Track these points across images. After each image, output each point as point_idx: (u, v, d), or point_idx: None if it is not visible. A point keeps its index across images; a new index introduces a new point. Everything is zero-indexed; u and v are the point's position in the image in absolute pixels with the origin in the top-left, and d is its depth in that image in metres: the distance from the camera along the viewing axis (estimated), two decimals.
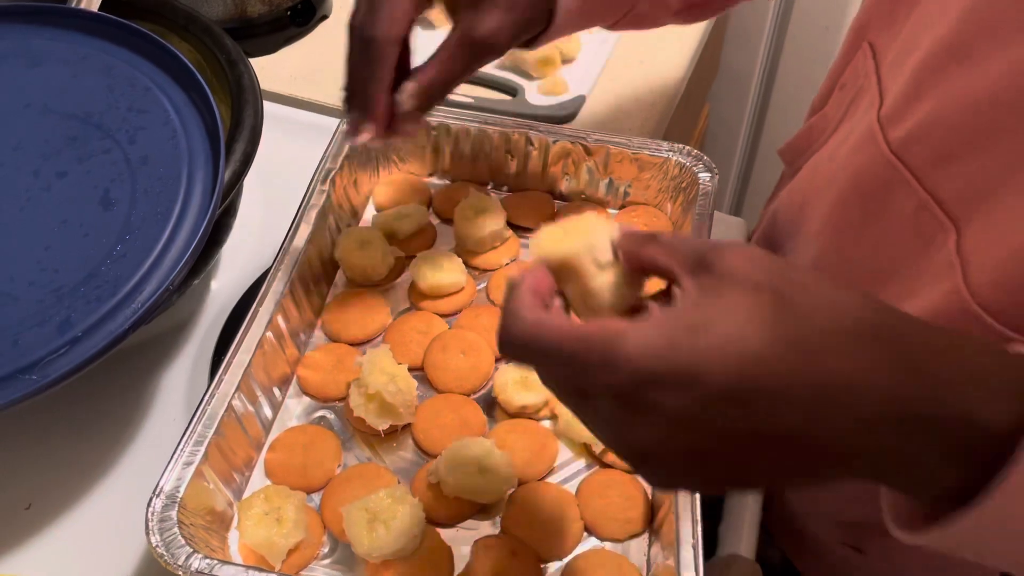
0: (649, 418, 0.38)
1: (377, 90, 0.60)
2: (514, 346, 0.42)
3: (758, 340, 0.37)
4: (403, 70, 0.62)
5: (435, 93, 0.61)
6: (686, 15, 0.73)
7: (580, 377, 0.40)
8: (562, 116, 0.96)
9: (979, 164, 0.54)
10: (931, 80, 0.57)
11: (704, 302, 0.39)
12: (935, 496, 0.39)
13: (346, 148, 0.78)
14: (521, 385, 0.67)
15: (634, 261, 0.44)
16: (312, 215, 0.73)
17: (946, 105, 0.56)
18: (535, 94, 0.98)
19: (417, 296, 0.75)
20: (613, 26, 0.70)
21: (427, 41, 1.04)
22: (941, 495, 0.39)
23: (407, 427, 0.67)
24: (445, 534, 0.62)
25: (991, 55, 0.52)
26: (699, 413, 0.37)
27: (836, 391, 0.37)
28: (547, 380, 0.43)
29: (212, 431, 0.60)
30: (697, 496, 0.58)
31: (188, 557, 0.54)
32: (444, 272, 0.74)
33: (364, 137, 0.62)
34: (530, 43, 0.66)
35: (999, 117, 0.52)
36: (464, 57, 0.60)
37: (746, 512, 0.70)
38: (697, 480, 0.41)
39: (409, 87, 0.60)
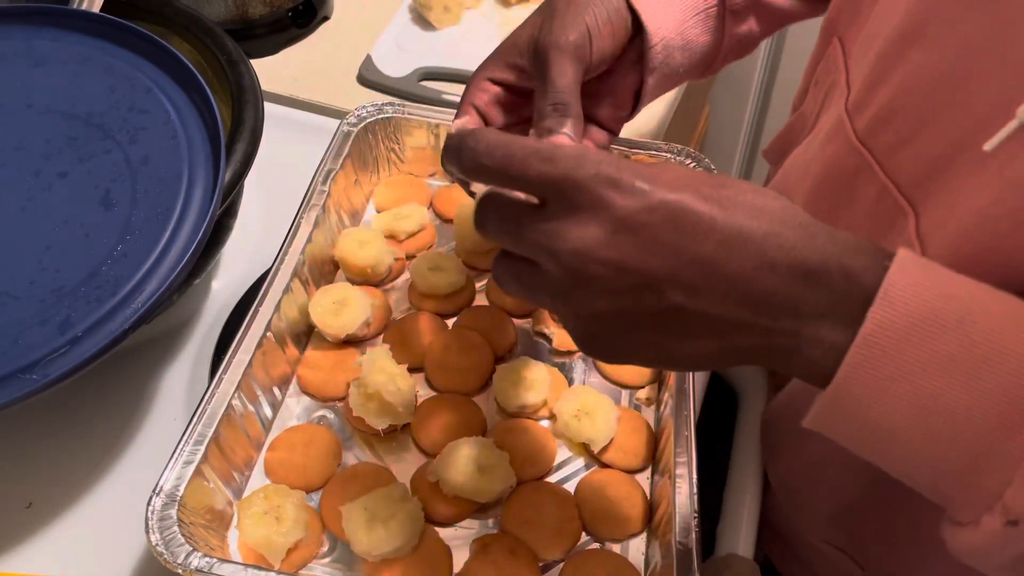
0: (595, 218, 0.42)
1: (462, 109, 0.63)
2: (482, 146, 0.44)
3: (691, 180, 0.42)
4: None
5: (565, 105, 0.60)
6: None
7: (542, 170, 0.43)
8: None
9: (930, 144, 0.55)
10: (890, 65, 0.58)
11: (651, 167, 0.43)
12: (814, 371, 0.42)
13: (347, 148, 0.78)
14: (520, 385, 0.68)
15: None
16: (312, 215, 0.73)
17: (903, 89, 0.56)
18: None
19: (417, 296, 0.75)
20: (707, 72, 0.72)
21: (427, 42, 1.05)
22: (819, 371, 0.42)
23: (406, 427, 0.68)
24: (444, 533, 0.62)
25: (942, 34, 0.53)
26: (642, 220, 0.41)
27: (751, 235, 0.41)
28: (491, 206, 0.45)
29: (212, 430, 0.60)
30: (695, 495, 0.58)
31: (188, 556, 0.55)
32: (443, 272, 0.74)
33: (456, 124, 0.63)
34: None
35: (948, 95, 0.53)
36: (567, 70, 0.59)
37: (744, 512, 0.70)
38: (615, 304, 0.43)
39: (541, 118, 0.60)
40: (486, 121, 0.64)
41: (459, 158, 0.45)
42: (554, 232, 0.43)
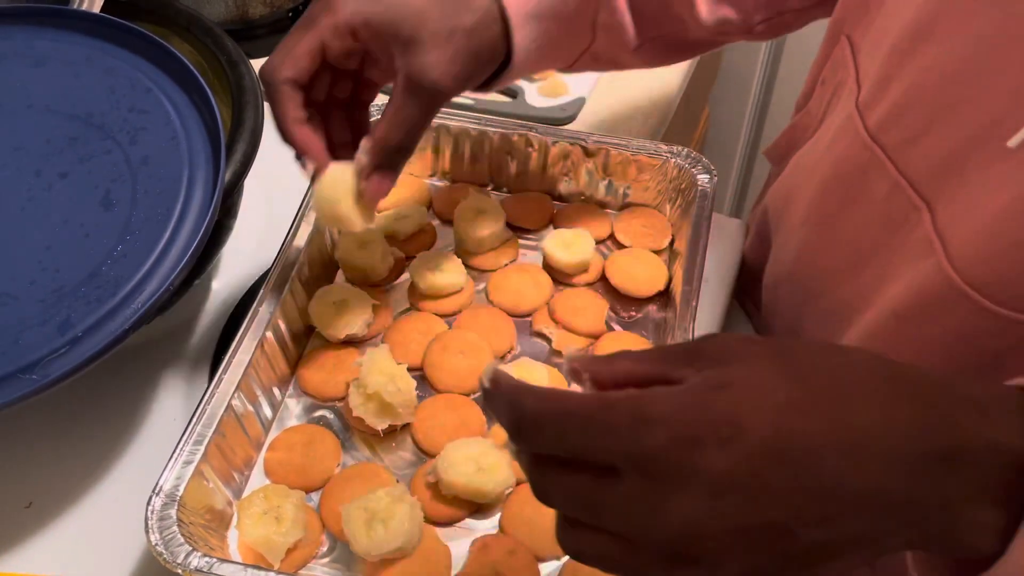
0: (688, 487, 0.35)
1: (289, 128, 0.60)
2: (529, 418, 0.38)
3: (787, 391, 0.36)
4: (362, 126, 0.64)
5: (391, 148, 0.59)
6: (648, 54, 0.72)
7: (603, 445, 0.37)
8: (562, 118, 0.96)
9: (943, 139, 0.54)
10: (902, 62, 0.58)
11: (717, 370, 0.37)
12: (973, 551, 0.38)
13: None
14: None
15: (605, 380, 0.40)
16: (312, 216, 0.73)
17: (916, 84, 0.56)
18: (535, 95, 0.98)
19: (416, 297, 0.75)
20: (571, 67, 0.70)
21: None
22: (979, 551, 0.37)
23: (406, 427, 0.68)
24: (443, 533, 0.62)
25: (955, 31, 0.53)
26: (743, 473, 0.35)
27: (867, 434, 0.36)
28: (553, 481, 0.39)
29: (212, 430, 0.60)
30: None
31: (187, 555, 0.55)
32: (443, 273, 0.74)
33: (309, 170, 0.62)
34: (485, 86, 0.65)
35: (962, 91, 0.53)
36: (412, 107, 0.58)
37: None
38: (748, 564, 0.37)
39: (363, 144, 0.60)
40: (330, 142, 0.62)
41: (511, 428, 0.39)
42: (645, 513, 0.36)
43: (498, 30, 0.60)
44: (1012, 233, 0.49)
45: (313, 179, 0.62)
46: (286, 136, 0.60)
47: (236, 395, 0.63)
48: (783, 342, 0.39)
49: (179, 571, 0.54)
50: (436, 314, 0.74)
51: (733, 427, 0.35)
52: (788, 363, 0.38)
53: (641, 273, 0.76)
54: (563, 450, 0.38)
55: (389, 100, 0.59)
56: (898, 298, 0.59)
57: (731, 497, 0.35)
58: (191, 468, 0.59)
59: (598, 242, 0.80)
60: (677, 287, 0.73)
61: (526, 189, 0.84)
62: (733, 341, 0.39)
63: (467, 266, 0.77)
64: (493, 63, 0.62)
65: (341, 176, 0.61)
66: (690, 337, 0.67)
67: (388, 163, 0.60)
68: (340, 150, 0.63)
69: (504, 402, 0.39)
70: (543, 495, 0.40)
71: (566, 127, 0.92)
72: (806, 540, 0.36)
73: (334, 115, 0.64)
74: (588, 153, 0.80)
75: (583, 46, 0.68)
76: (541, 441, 0.39)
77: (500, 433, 0.66)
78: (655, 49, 0.71)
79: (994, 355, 0.55)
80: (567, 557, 0.61)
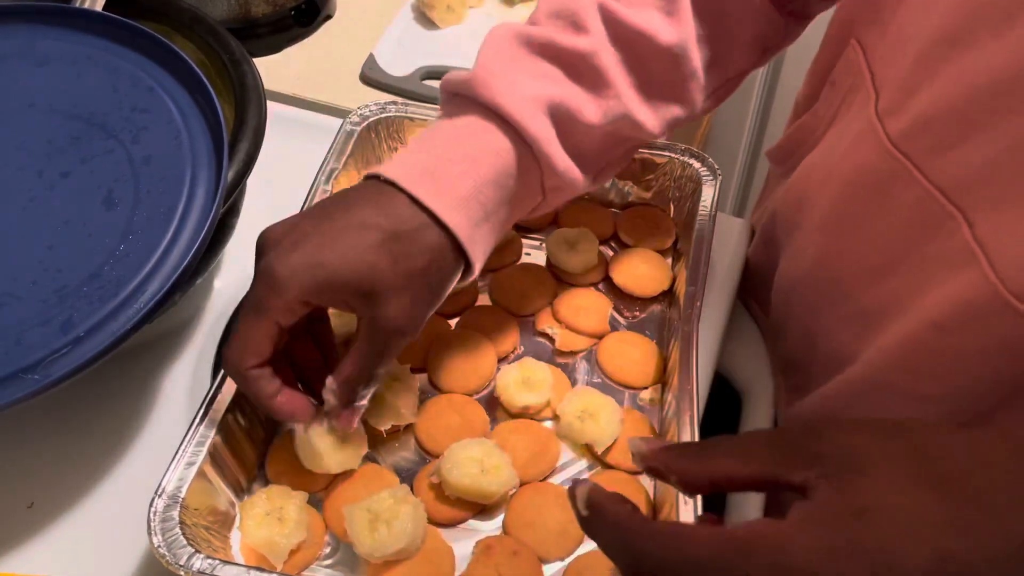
0: None
1: (270, 406, 0.58)
2: (650, 564, 0.36)
3: (935, 508, 0.33)
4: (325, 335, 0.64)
5: (357, 385, 0.59)
6: (603, 178, 0.70)
7: None
8: None
9: (980, 149, 0.54)
10: (930, 70, 0.57)
11: (849, 483, 0.34)
12: None
13: (350, 148, 0.78)
14: (523, 386, 0.67)
15: (700, 483, 0.39)
16: None
17: (946, 94, 0.55)
18: None
19: None
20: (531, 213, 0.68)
21: (430, 41, 1.05)
22: None
23: (409, 427, 0.67)
24: (447, 534, 0.62)
25: (988, 41, 0.52)
26: None
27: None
28: None
29: (214, 431, 0.60)
30: (699, 497, 0.58)
31: (190, 557, 0.54)
32: None
33: (300, 430, 0.61)
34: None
35: (999, 101, 0.52)
36: (376, 349, 0.58)
37: (747, 512, 0.70)
38: None
39: (329, 383, 0.59)
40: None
41: (627, 570, 0.38)
42: None
43: (452, 257, 0.59)
44: None
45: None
46: (270, 413, 0.59)
47: (239, 396, 0.63)
48: (907, 435, 0.36)
49: (181, 573, 0.54)
50: (439, 314, 0.74)
51: (889, 567, 0.33)
52: (924, 467, 0.35)
53: (645, 273, 0.76)
54: None
55: (353, 342, 0.58)
56: (937, 308, 0.58)
57: None
58: (194, 469, 0.58)
59: (602, 242, 0.80)
60: (681, 287, 0.73)
61: None
62: (854, 436, 0.36)
63: None
64: (452, 282, 0.61)
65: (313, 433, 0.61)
66: (695, 337, 0.67)
67: (354, 397, 0.60)
68: (312, 373, 0.62)
69: (615, 538, 0.37)
70: None
71: None
72: None
73: (298, 340, 0.63)
74: None
75: (535, 204, 0.66)
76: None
77: (503, 434, 0.66)
78: (608, 172, 0.70)
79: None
80: (571, 559, 0.61)
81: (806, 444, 0.36)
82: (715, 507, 0.69)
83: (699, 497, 0.58)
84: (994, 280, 0.53)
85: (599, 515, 0.38)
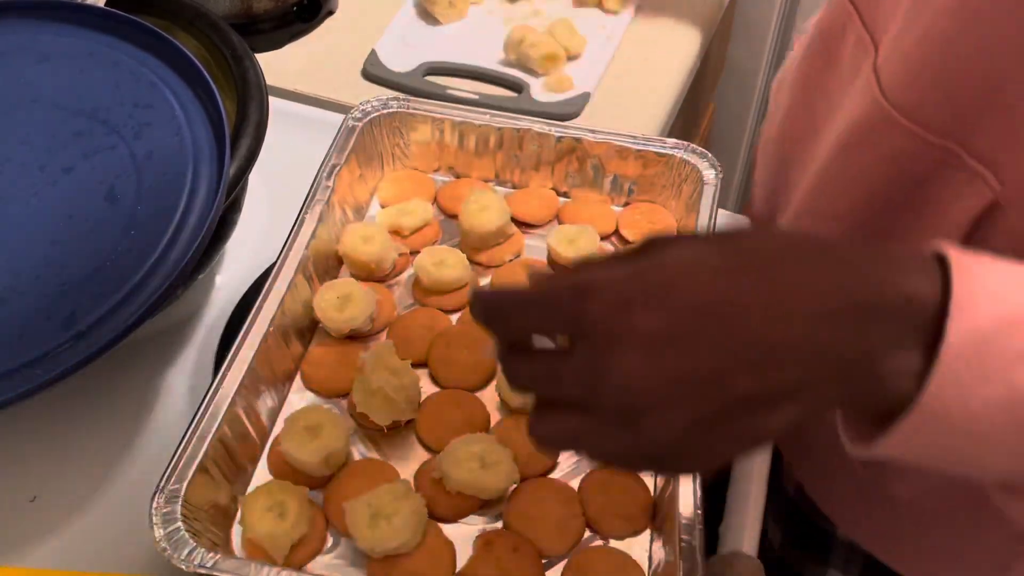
0: (626, 347, 0.39)
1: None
2: (493, 309, 0.44)
3: (717, 258, 0.40)
4: None
5: None
6: None
7: (551, 320, 0.42)
8: (567, 113, 0.96)
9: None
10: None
11: (652, 251, 0.41)
12: (896, 398, 0.40)
13: (351, 143, 0.78)
14: None
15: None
16: (317, 210, 0.73)
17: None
18: (540, 91, 0.98)
19: (421, 292, 0.75)
20: None
21: (432, 37, 1.05)
22: (901, 396, 0.40)
23: (410, 423, 0.68)
24: (447, 530, 0.62)
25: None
26: (675, 329, 0.39)
27: (792, 291, 0.39)
28: (520, 364, 0.44)
29: (216, 426, 0.60)
30: (699, 493, 0.58)
31: (192, 551, 0.55)
32: (448, 268, 0.74)
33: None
34: None
35: None
36: None
37: (748, 509, 0.70)
38: (690, 414, 0.40)
39: None
40: None
41: (484, 323, 0.44)
42: (593, 376, 0.40)
43: None
44: (931, 56, 0.53)
45: None
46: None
47: (240, 390, 0.63)
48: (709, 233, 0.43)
49: (183, 567, 0.54)
50: (440, 309, 0.74)
51: (664, 289, 0.39)
52: (719, 239, 0.42)
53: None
54: (525, 331, 0.44)
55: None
56: (841, 128, 0.64)
57: (665, 351, 0.39)
58: (195, 464, 0.58)
59: (603, 238, 0.80)
60: None
61: (531, 184, 0.84)
62: (675, 236, 0.43)
63: (471, 261, 0.77)
64: None
65: None
66: None
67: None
68: None
69: (478, 305, 0.44)
70: (514, 379, 0.45)
71: (571, 122, 0.92)
72: (741, 389, 0.39)
73: None
74: (593, 148, 0.80)
75: None
76: (506, 327, 0.44)
77: (504, 429, 0.66)
78: None
79: (918, 179, 0.59)
80: (570, 554, 0.61)
81: (638, 247, 0.42)
82: (715, 508, 0.69)
83: (700, 494, 0.58)
84: (880, 98, 0.59)
85: (474, 297, 0.45)
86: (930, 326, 0.38)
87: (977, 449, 0.40)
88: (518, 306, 0.43)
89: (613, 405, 0.40)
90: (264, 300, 0.67)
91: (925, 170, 0.59)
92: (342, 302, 0.70)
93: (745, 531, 0.69)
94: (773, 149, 0.80)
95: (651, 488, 0.65)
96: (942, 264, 0.39)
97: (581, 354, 0.41)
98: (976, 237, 0.57)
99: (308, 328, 0.72)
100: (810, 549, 0.87)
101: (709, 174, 0.78)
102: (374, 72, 1.00)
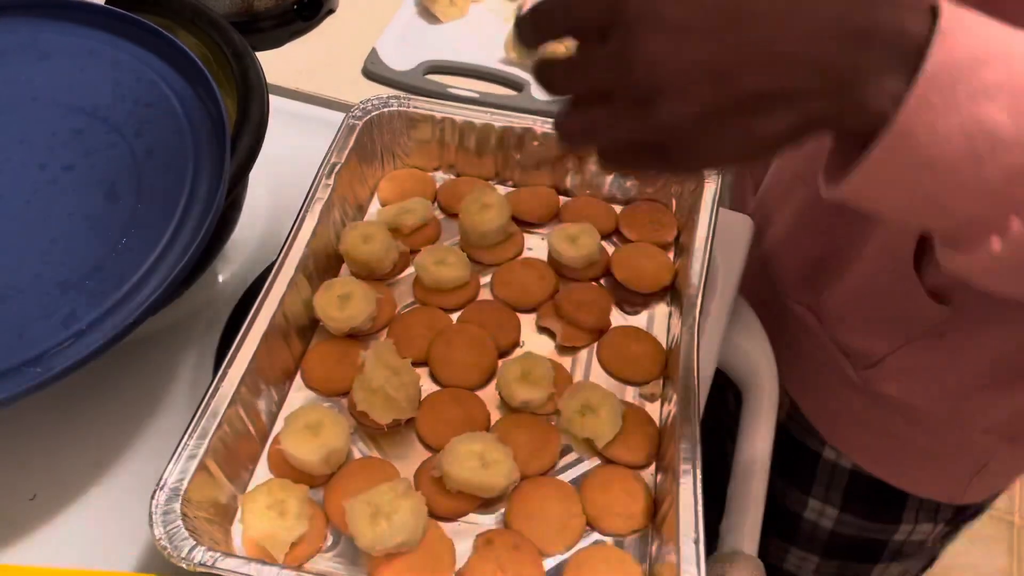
0: (654, 31, 0.44)
1: None
2: (533, 13, 0.49)
3: None
4: None
5: None
6: None
7: (590, 7, 0.47)
8: None
9: None
10: None
11: None
12: (875, 121, 0.44)
13: (352, 142, 0.78)
14: (524, 380, 0.67)
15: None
16: (317, 209, 0.73)
17: None
18: (541, 90, 0.98)
19: (421, 291, 0.75)
20: None
21: (432, 35, 1.05)
22: (880, 119, 0.44)
23: (410, 421, 0.67)
24: (447, 528, 0.62)
25: None
26: (699, 21, 0.44)
27: (800, 9, 0.44)
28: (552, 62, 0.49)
29: (216, 424, 0.60)
30: (700, 492, 0.58)
31: (191, 549, 0.55)
32: (448, 267, 0.74)
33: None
34: None
35: None
36: None
37: (749, 508, 0.70)
38: (703, 98, 0.45)
39: None
40: None
41: (527, 23, 0.50)
42: (621, 58, 0.45)
43: None
44: None
45: None
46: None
47: (240, 389, 0.63)
48: None
49: (183, 565, 0.54)
50: (441, 308, 0.74)
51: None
52: None
53: (647, 268, 0.76)
54: (568, 24, 0.48)
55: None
56: None
57: (689, 38, 0.44)
58: (195, 462, 0.58)
59: (604, 236, 0.80)
60: (683, 282, 0.73)
61: (531, 183, 0.84)
62: None
63: (472, 260, 0.77)
64: None
65: None
66: (696, 332, 0.67)
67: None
68: None
69: (527, 18, 0.49)
70: (550, 82, 0.50)
71: None
72: (746, 85, 0.44)
73: None
74: None
75: None
76: (551, 24, 0.49)
77: (504, 428, 0.66)
78: None
79: None
80: (571, 552, 0.61)
81: None
82: (717, 505, 0.69)
83: (700, 494, 0.58)
84: None
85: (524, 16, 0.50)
86: (914, 57, 0.43)
87: (936, 185, 0.45)
88: (561, 4, 0.48)
89: (635, 82, 0.45)
90: (264, 299, 0.67)
91: None
92: (342, 301, 0.70)
93: (745, 531, 0.69)
94: None
95: (651, 487, 0.65)
96: (933, 10, 0.43)
97: (615, 40, 0.45)
98: None
99: (308, 327, 0.72)
100: (795, 476, 0.92)
101: (710, 173, 0.77)
102: (375, 71, 1.00)
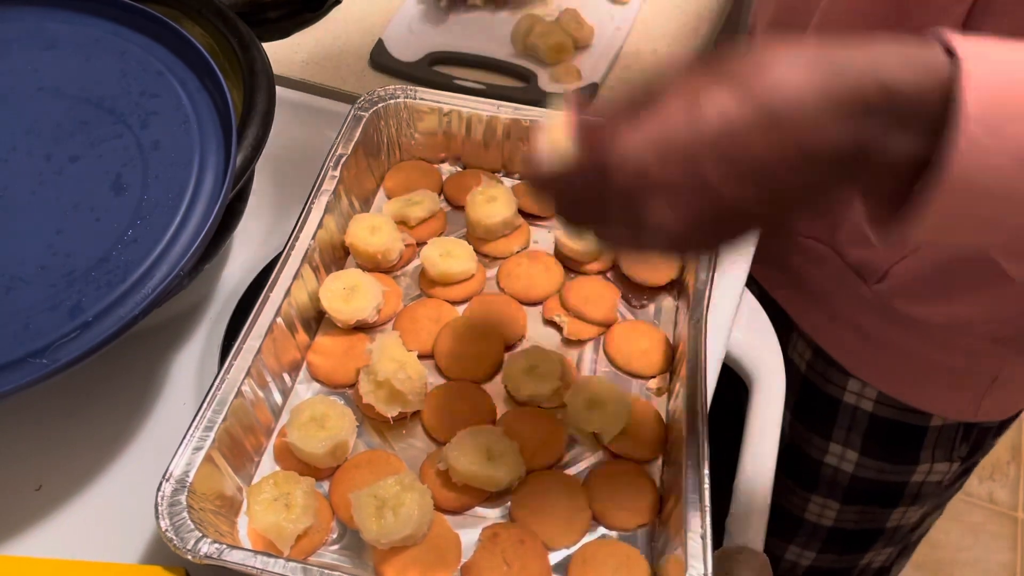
0: (656, 200, 0.44)
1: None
2: (534, 188, 0.51)
3: (716, 103, 0.43)
4: None
5: None
6: None
7: (585, 194, 0.48)
8: None
9: None
10: None
11: (651, 99, 0.45)
12: (906, 185, 0.43)
13: (358, 133, 0.78)
14: (531, 374, 0.67)
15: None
16: (323, 200, 0.73)
17: None
18: (548, 81, 0.98)
19: (427, 283, 0.75)
20: None
21: (439, 27, 1.04)
22: (913, 183, 0.42)
23: (416, 414, 0.67)
24: (453, 521, 0.62)
25: None
26: (691, 181, 0.43)
27: (782, 109, 0.42)
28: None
29: (222, 416, 0.60)
30: (707, 486, 0.58)
31: (197, 542, 0.55)
32: (454, 259, 0.74)
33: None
34: None
35: None
36: None
37: (755, 503, 0.70)
38: (713, 235, 0.45)
39: None
40: None
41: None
42: (625, 217, 0.46)
43: None
44: None
45: None
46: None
47: (246, 381, 0.63)
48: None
49: (189, 557, 0.54)
50: (447, 301, 0.74)
51: (671, 146, 0.43)
52: (713, 72, 0.44)
53: (653, 261, 0.76)
54: (568, 203, 0.50)
55: None
56: None
57: (691, 201, 0.44)
58: (201, 454, 0.58)
59: None
60: (690, 276, 0.73)
61: None
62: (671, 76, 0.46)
63: (478, 253, 0.77)
64: None
65: None
66: (703, 326, 0.67)
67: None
68: None
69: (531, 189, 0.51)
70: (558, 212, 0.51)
71: None
72: (728, 195, 0.43)
73: None
74: None
75: None
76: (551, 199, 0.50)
77: (510, 421, 0.66)
78: None
79: None
80: (577, 547, 0.61)
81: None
82: (723, 500, 0.69)
83: (706, 488, 0.58)
84: None
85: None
86: (939, 104, 0.40)
87: (996, 209, 0.42)
88: (559, 191, 0.49)
89: (646, 230, 0.45)
90: (270, 290, 0.67)
91: None
92: (348, 293, 0.70)
93: (751, 525, 0.69)
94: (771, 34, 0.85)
95: (657, 481, 0.64)
96: (938, 46, 0.41)
97: (615, 204, 0.46)
98: (973, 24, 0.64)
99: (314, 319, 0.72)
100: (816, 423, 0.95)
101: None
102: (381, 61, 0.99)
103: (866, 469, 0.94)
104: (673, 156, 0.43)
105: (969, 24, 0.64)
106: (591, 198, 0.47)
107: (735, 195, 0.43)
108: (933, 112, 0.41)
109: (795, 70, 0.42)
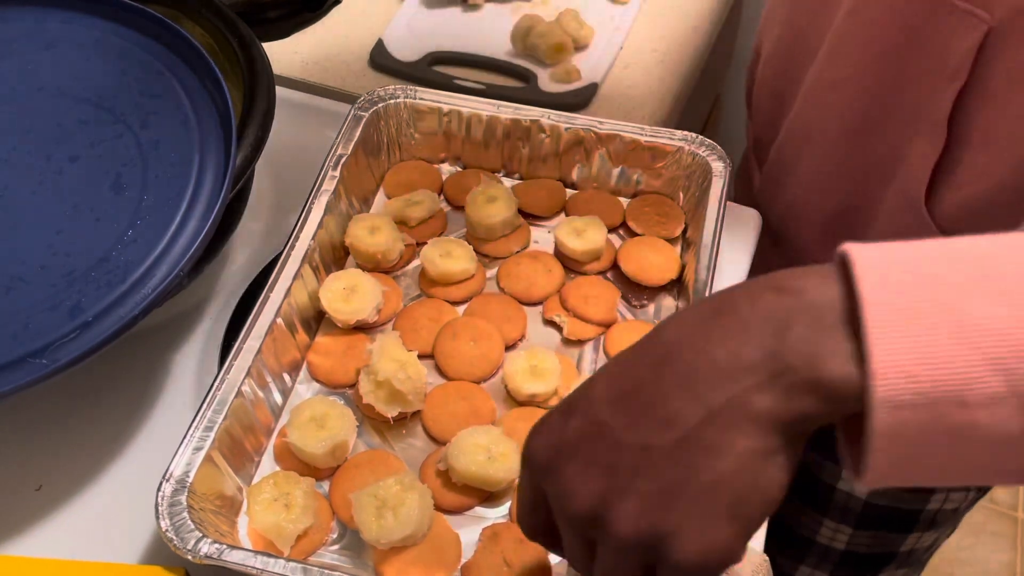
0: (613, 515, 0.42)
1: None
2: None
3: (622, 414, 0.43)
4: None
5: None
6: None
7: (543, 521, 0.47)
8: (574, 104, 0.95)
9: None
10: None
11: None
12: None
13: (358, 133, 0.78)
14: (531, 374, 0.67)
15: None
16: (323, 200, 0.73)
17: None
18: (548, 81, 0.98)
19: (427, 283, 0.75)
20: None
21: (438, 27, 1.04)
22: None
23: (416, 414, 0.67)
24: (453, 521, 0.62)
25: None
26: (590, 422, 0.43)
27: (679, 411, 0.41)
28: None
29: (222, 416, 0.60)
30: None
31: (197, 542, 0.55)
32: (454, 259, 0.74)
33: None
34: None
35: None
36: None
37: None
38: (610, 495, 0.42)
39: None
40: None
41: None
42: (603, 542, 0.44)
43: None
44: None
45: None
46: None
47: (246, 381, 0.63)
48: None
49: (189, 557, 0.54)
50: (447, 301, 0.74)
51: (572, 404, 0.45)
52: (615, 374, 0.47)
53: (654, 261, 0.76)
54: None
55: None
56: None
57: (624, 504, 0.42)
58: (201, 454, 0.58)
59: (610, 230, 0.79)
60: (690, 276, 0.73)
61: (538, 176, 0.83)
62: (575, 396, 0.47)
63: (478, 253, 0.77)
64: None
65: None
66: None
67: None
68: None
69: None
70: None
71: (579, 113, 0.92)
72: (687, 463, 0.41)
73: None
74: (601, 140, 0.80)
75: None
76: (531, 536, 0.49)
77: (510, 421, 0.66)
78: None
79: (917, 25, 0.67)
80: None
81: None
82: None
83: None
84: None
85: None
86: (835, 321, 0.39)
87: (940, 459, 0.39)
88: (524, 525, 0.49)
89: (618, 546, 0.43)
90: (270, 291, 0.67)
91: (922, 14, 0.66)
92: (348, 293, 0.70)
93: None
94: (777, 55, 0.85)
95: None
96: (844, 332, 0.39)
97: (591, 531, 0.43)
98: (978, 75, 0.65)
99: (314, 319, 0.72)
100: (829, 449, 0.89)
101: (718, 166, 0.77)
102: (381, 61, 0.99)
103: (881, 496, 0.92)
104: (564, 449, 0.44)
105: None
106: (534, 497, 0.47)
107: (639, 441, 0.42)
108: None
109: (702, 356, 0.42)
